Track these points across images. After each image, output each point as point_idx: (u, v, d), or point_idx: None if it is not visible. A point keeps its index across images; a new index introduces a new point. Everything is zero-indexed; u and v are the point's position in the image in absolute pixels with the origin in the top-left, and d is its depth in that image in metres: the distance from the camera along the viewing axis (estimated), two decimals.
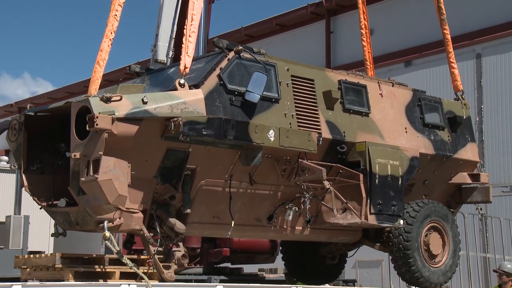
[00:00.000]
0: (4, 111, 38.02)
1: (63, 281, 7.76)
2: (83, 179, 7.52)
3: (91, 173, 7.41)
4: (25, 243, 15.96)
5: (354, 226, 9.84)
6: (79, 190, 7.77)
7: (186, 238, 15.04)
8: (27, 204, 17.58)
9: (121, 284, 7.85)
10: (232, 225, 8.92)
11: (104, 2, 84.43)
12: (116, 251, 7.88)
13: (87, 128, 7.31)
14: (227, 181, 8.68)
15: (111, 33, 8.18)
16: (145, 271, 8.23)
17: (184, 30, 8.46)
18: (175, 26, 12.93)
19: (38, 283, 7.73)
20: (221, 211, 8.84)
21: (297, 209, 9.23)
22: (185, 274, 13.37)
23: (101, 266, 8.30)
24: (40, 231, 19.75)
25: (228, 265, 14.77)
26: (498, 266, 11.48)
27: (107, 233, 7.63)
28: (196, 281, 11.75)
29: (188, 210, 8.34)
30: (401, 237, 9.88)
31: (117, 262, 8.45)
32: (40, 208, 8.93)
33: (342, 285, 13.11)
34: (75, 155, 7.58)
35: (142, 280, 7.89)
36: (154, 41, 13.88)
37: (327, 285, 12.08)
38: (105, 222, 7.61)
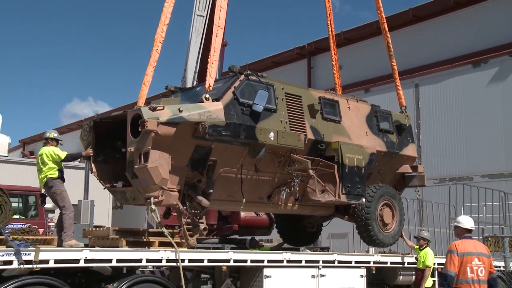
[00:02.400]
0: (76, 125, 38.16)
1: (118, 247, 7.78)
2: (136, 166, 7.65)
3: (142, 162, 7.54)
4: (91, 220, 15.95)
5: (330, 203, 9.89)
6: (133, 175, 7.88)
7: (206, 216, 15.08)
8: (92, 192, 17.63)
9: (159, 250, 7.92)
10: (244, 201, 8.94)
11: (145, 41, 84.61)
12: (157, 221, 8.05)
13: (139, 129, 7.45)
14: (239, 170, 8.72)
15: (154, 62, 8.53)
16: (177, 240, 8.27)
17: (209, 59, 8.58)
18: (199, 63, 12.97)
19: (99, 248, 7.75)
20: (235, 192, 8.88)
21: (289, 191, 9.30)
22: (205, 243, 13.37)
23: (145, 237, 8.31)
24: (102, 211, 19.81)
25: (237, 236, 14.75)
26: (418, 233, 11.53)
27: (153, 207, 7.81)
28: (213, 248, 11.78)
29: (211, 190, 8.43)
30: (363, 211, 10.07)
31: (156, 234, 8.48)
32: (104, 189, 9.02)
33: (319, 251, 13.09)
34: (130, 149, 7.71)
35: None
36: (183, 74, 13.89)
37: (307, 250, 12.09)
38: (152, 198, 7.78)
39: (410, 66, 21.74)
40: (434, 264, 11.05)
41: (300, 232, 11.93)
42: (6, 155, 24.75)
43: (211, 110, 7.95)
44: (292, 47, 27.41)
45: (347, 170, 9.51)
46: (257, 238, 14.97)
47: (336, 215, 10.84)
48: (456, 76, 21.21)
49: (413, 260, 11.28)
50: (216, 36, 8.70)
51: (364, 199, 9.92)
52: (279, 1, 70.10)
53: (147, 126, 7.33)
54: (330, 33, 12.59)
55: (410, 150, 11.32)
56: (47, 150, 8.68)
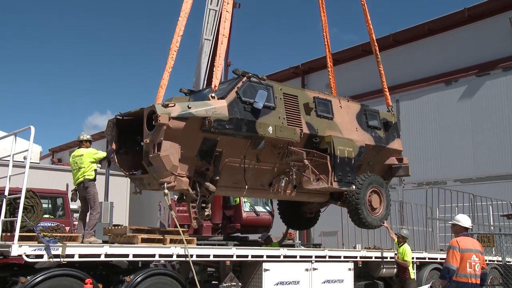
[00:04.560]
0: (98, 136, 38.02)
1: (134, 244, 7.74)
2: (151, 155, 7.70)
3: (156, 151, 7.60)
4: (111, 219, 15.87)
5: (324, 190, 9.79)
6: (149, 163, 7.91)
7: (212, 217, 14.99)
8: (112, 195, 17.61)
9: (170, 247, 7.88)
10: (246, 188, 8.87)
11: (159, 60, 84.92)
12: (168, 205, 8.04)
13: (153, 123, 7.54)
14: (242, 160, 8.68)
15: (169, 68, 8.74)
16: (186, 238, 8.21)
17: (215, 63, 8.76)
18: (207, 71, 13.10)
19: (118, 244, 7.71)
20: (239, 179, 8.83)
21: (287, 179, 9.22)
22: (211, 240, 13.28)
23: (157, 235, 8.26)
24: (120, 212, 19.76)
25: (239, 234, 14.67)
26: (398, 231, 11.42)
27: (166, 191, 7.83)
28: (218, 245, 11.69)
29: (217, 178, 8.41)
30: (353, 197, 9.93)
31: (167, 232, 8.42)
32: (125, 176, 9.08)
33: (312, 247, 13.02)
34: (146, 141, 7.79)
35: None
36: (194, 78, 13.95)
37: (301, 246, 12.03)
38: (165, 184, 7.80)
39: (391, 84, 21.55)
40: (412, 258, 11.02)
41: (300, 217, 11.84)
42: (38, 162, 24.75)
43: (216, 107, 7.96)
44: (287, 66, 27.46)
45: (338, 160, 9.41)
46: (258, 235, 14.92)
47: (331, 202, 10.72)
48: (431, 92, 21.26)
49: (393, 255, 11.22)
50: (221, 43, 8.84)
51: (354, 186, 9.77)
52: (277, 26, 70.45)
53: (159, 120, 7.42)
54: (326, 43, 12.26)
55: (396, 144, 11.18)
56: (87, 151, 8.56)
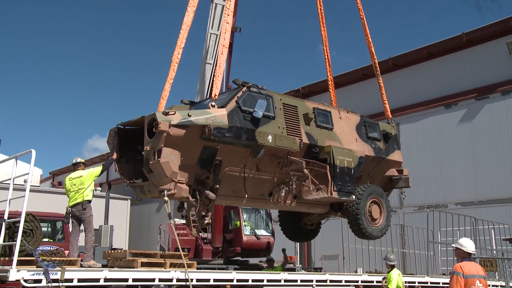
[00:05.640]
0: (99, 159, 38.04)
1: (133, 267, 7.67)
2: (151, 162, 7.70)
3: (156, 158, 7.60)
4: (110, 243, 15.80)
5: (324, 200, 9.72)
6: (149, 170, 7.91)
7: (212, 240, 14.91)
8: (112, 219, 17.53)
9: (170, 271, 7.81)
10: (246, 197, 8.82)
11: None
12: (168, 212, 7.98)
13: (154, 130, 7.56)
14: (242, 169, 8.65)
15: (171, 79, 8.75)
16: (187, 262, 8.14)
17: (215, 73, 8.89)
18: (211, 80, 13.25)
19: (117, 268, 7.65)
20: (238, 188, 8.78)
21: (287, 189, 9.17)
22: (211, 264, 13.18)
23: (157, 259, 8.19)
24: (120, 235, 19.62)
25: (239, 258, 14.57)
26: (385, 256, 11.13)
27: (166, 198, 7.81)
28: (218, 269, 11.60)
29: (217, 186, 8.38)
30: (353, 207, 9.84)
31: (167, 256, 8.35)
32: (127, 186, 8.99)
33: (313, 271, 12.90)
34: (147, 148, 7.79)
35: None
36: (197, 87, 14.07)
37: (302, 270, 11.92)
38: (165, 191, 7.79)
39: (392, 107, 21.63)
40: (403, 283, 10.78)
41: (300, 229, 11.75)
42: (38, 185, 24.72)
43: (216, 115, 7.99)
44: (288, 90, 27.58)
45: (338, 170, 9.36)
46: (257, 259, 14.80)
47: (331, 213, 10.63)
48: (431, 116, 21.33)
49: (381, 279, 10.90)
50: (221, 53, 8.94)
51: (354, 196, 9.71)
52: (277, 49, 71.21)
53: (160, 127, 7.45)
54: (326, 56, 12.37)
55: (396, 156, 11.15)
56: (86, 172, 8.70)
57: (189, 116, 7.77)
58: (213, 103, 8.22)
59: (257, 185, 9.02)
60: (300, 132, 9.17)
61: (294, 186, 9.00)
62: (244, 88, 8.69)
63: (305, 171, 8.96)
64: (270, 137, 8.52)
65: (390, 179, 11.27)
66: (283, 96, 9.42)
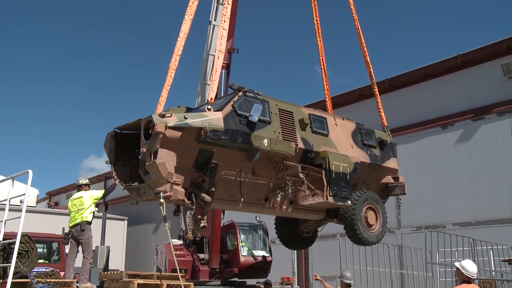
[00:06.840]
0: (96, 179, 37.83)
1: None
2: (147, 163, 7.66)
3: (152, 159, 7.56)
4: (107, 264, 15.63)
5: (320, 205, 9.65)
6: (145, 172, 7.86)
7: (210, 261, 14.79)
8: (108, 239, 17.40)
9: None
10: (241, 201, 8.78)
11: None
12: (163, 215, 7.90)
13: (150, 132, 7.56)
14: (238, 172, 8.63)
15: (168, 85, 8.70)
16: (184, 283, 8.07)
17: (211, 77, 9.08)
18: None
19: None
20: (234, 192, 8.75)
21: (283, 194, 9.14)
22: (208, 285, 13.06)
23: (153, 280, 8.13)
24: (116, 256, 19.43)
25: (237, 279, 14.44)
26: (341, 273, 10.79)
27: (162, 200, 7.73)
28: None
29: (213, 189, 8.37)
30: (349, 213, 9.77)
31: (163, 277, 8.30)
32: (124, 189, 8.94)
33: None
34: (143, 150, 7.75)
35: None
36: (196, 99, 14.09)
37: None
38: (161, 193, 7.71)
39: (388, 128, 21.92)
40: None
41: (297, 237, 11.68)
42: (35, 205, 24.58)
43: (212, 118, 8.02)
44: None
45: (333, 175, 9.36)
46: (255, 280, 14.66)
47: (327, 220, 10.60)
48: (428, 136, 21.39)
49: None
50: (218, 58, 9.00)
51: (349, 202, 9.69)
52: (275, 70, 71.72)
53: (156, 129, 7.45)
54: (322, 66, 12.42)
55: (391, 163, 11.16)
56: (87, 193, 8.72)
57: (185, 118, 7.82)
58: (209, 107, 8.29)
59: (253, 190, 9.04)
60: (296, 137, 9.21)
61: (290, 191, 9.04)
62: (240, 93, 8.76)
63: (301, 175, 9.00)
64: (265, 141, 8.55)
65: (386, 186, 11.30)
66: (279, 101, 9.47)
